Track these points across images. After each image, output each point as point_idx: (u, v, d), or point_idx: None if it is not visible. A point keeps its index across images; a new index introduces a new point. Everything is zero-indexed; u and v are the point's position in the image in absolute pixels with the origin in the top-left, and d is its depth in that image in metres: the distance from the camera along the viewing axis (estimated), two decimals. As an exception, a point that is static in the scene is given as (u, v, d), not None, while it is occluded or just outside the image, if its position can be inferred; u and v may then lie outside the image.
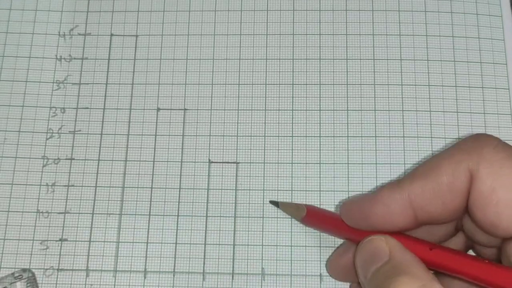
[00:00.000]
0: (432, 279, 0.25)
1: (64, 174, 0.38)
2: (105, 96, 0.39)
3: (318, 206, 0.36)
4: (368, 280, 0.28)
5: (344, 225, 0.31)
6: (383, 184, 0.36)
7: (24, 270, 0.35)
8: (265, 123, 0.38)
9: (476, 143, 0.27)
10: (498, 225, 0.25)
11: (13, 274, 0.35)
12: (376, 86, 0.39)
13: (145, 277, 0.36)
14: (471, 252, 0.32)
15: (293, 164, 0.37)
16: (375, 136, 0.38)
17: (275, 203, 0.36)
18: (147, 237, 0.36)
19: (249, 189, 0.37)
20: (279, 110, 0.39)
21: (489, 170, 0.25)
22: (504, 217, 0.25)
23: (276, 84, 0.39)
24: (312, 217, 0.34)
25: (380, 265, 0.27)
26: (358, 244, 0.30)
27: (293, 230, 0.36)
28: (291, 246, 0.36)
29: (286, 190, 0.37)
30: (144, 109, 0.39)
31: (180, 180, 0.37)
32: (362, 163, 0.37)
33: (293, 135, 0.38)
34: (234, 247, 0.36)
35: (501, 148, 0.26)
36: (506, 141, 0.36)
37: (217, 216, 0.36)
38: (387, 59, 0.39)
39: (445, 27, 0.40)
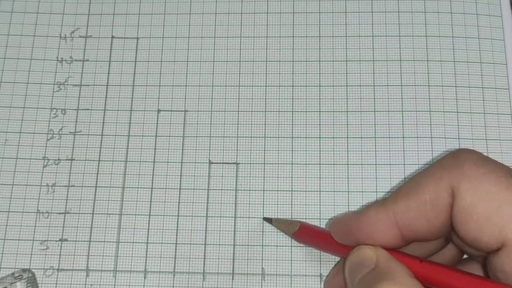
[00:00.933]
0: (414, 285, 0.25)
1: (65, 174, 0.38)
2: (106, 97, 0.39)
3: (318, 206, 0.36)
4: (354, 286, 0.28)
5: (334, 241, 0.31)
6: (368, 204, 0.36)
7: (24, 270, 0.35)
8: (265, 124, 0.38)
9: (456, 159, 0.27)
10: (480, 239, 0.25)
11: (13, 274, 0.35)
12: (375, 87, 0.39)
13: (145, 277, 0.35)
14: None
15: (293, 165, 0.37)
16: (375, 137, 0.38)
17: (268, 220, 0.36)
18: (147, 237, 0.36)
19: (249, 190, 0.37)
20: (279, 111, 0.39)
21: (469, 186, 0.26)
22: (485, 232, 0.25)
23: (276, 85, 0.39)
24: (304, 233, 0.34)
25: (366, 273, 0.28)
26: (347, 256, 0.30)
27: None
28: (291, 246, 0.36)
29: (286, 191, 0.37)
30: (144, 111, 0.39)
31: (180, 181, 0.37)
32: (361, 164, 0.37)
33: (293, 136, 0.38)
34: (234, 247, 0.36)
35: (481, 164, 0.26)
36: (506, 142, 0.37)
37: (217, 216, 0.36)
38: (387, 60, 0.39)
39: (445, 27, 0.40)
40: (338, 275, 0.33)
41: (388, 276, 0.26)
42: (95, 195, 0.37)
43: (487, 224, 0.25)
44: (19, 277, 0.35)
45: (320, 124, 0.38)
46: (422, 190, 0.27)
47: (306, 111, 0.38)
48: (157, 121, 0.39)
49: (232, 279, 0.35)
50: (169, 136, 0.38)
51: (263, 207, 0.37)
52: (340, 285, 0.32)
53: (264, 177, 0.37)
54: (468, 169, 0.26)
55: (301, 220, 0.36)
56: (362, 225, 0.29)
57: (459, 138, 0.37)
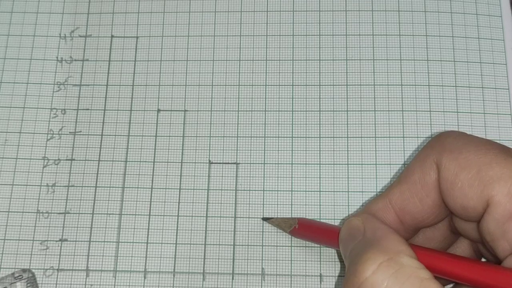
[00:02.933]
0: (401, 251, 0.25)
1: (65, 174, 0.38)
2: (106, 97, 0.39)
3: (318, 206, 0.36)
4: (347, 257, 0.28)
5: (332, 233, 0.31)
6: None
7: (24, 270, 0.36)
8: (265, 124, 0.38)
9: (439, 137, 0.28)
10: (466, 205, 0.26)
11: (13, 274, 0.35)
12: (376, 86, 0.39)
13: (145, 277, 0.36)
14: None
15: (293, 165, 0.37)
16: (375, 137, 0.38)
17: (267, 220, 0.36)
18: (147, 237, 0.36)
19: (249, 190, 0.37)
20: (279, 111, 0.39)
21: (450, 157, 0.27)
22: (470, 197, 0.26)
23: (276, 85, 0.39)
24: (302, 229, 0.34)
25: (355, 243, 0.28)
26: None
27: (293, 230, 0.36)
28: (291, 246, 0.36)
29: (286, 191, 0.37)
30: (144, 110, 0.39)
31: (180, 181, 0.37)
32: (362, 164, 0.37)
33: (293, 135, 0.38)
34: (234, 247, 0.36)
35: (461, 137, 0.27)
36: (506, 142, 0.37)
37: (217, 216, 0.37)
38: (387, 59, 0.39)
39: (445, 27, 0.40)
40: None
41: (373, 244, 0.26)
42: (95, 195, 0.37)
43: (470, 189, 0.26)
44: (19, 277, 0.35)
45: (320, 124, 0.38)
46: (411, 171, 0.28)
47: (306, 111, 0.38)
48: (157, 121, 0.39)
49: (232, 279, 0.35)
50: (169, 136, 0.38)
51: (263, 207, 0.37)
52: None
53: (264, 177, 0.37)
54: (449, 144, 0.27)
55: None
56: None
57: (459, 138, 0.37)
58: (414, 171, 0.28)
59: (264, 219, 0.36)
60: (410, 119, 0.38)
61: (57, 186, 0.38)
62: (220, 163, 0.38)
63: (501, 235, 0.25)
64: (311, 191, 0.37)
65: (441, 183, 0.27)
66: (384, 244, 0.26)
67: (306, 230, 0.34)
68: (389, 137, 0.38)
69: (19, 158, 0.38)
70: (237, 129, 0.38)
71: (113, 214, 0.37)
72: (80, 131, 0.39)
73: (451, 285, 0.30)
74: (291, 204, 0.37)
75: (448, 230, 0.31)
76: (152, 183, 0.37)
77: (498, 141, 0.36)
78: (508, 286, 0.24)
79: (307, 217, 0.36)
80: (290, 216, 0.36)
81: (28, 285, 0.35)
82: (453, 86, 0.38)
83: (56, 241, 0.37)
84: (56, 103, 0.39)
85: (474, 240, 0.30)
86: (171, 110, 0.39)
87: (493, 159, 0.26)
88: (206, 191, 0.37)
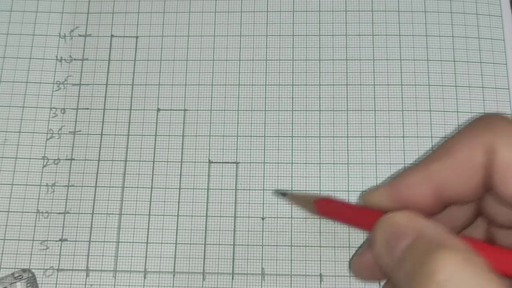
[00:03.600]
0: (472, 250, 0.24)
1: (64, 174, 0.38)
2: (105, 96, 0.39)
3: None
4: (398, 259, 0.26)
5: (362, 209, 0.29)
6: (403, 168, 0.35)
7: (24, 270, 0.35)
8: (265, 123, 0.38)
9: (489, 119, 0.27)
10: None
11: (13, 274, 0.35)
12: (376, 86, 0.39)
13: (145, 277, 0.35)
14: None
15: (293, 164, 0.37)
16: (375, 136, 0.38)
17: (283, 194, 0.35)
18: (147, 237, 0.36)
19: (249, 189, 0.37)
20: (279, 110, 0.39)
21: (506, 142, 0.25)
22: None
23: (276, 84, 0.39)
24: (327, 204, 0.32)
25: (410, 242, 0.26)
26: (375, 225, 0.27)
27: (293, 230, 0.36)
28: (291, 246, 0.36)
29: (286, 190, 0.37)
30: (144, 110, 0.39)
31: (180, 180, 0.37)
32: (362, 163, 0.37)
33: (293, 135, 0.38)
34: (234, 247, 0.36)
35: None
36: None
37: (217, 216, 0.36)
38: (387, 59, 0.39)
39: (445, 27, 0.40)
40: (365, 254, 0.30)
41: (442, 243, 0.24)
42: (94, 195, 0.37)
43: None
44: (19, 277, 0.35)
45: (320, 123, 0.38)
46: (457, 149, 0.27)
47: (306, 110, 0.38)
48: (157, 120, 0.39)
49: (232, 279, 0.35)
50: (169, 136, 0.38)
51: (263, 206, 0.37)
52: (368, 265, 0.30)
53: (264, 176, 0.37)
54: (504, 127, 0.26)
55: (301, 219, 0.36)
56: (399, 189, 0.28)
57: (459, 138, 0.37)
58: (460, 149, 0.26)
59: (279, 192, 0.36)
60: (410, 119, 0.38)
61: (57, 185, 0.38)
62: (220, 162, 0.38)
63: None
64: (311, 190, 0.37)
65: (495, 168, 0.25)
66: (454, 243, 0.24)
67: (330, 205, 0.31)
68: (389, 136, 0.38)
69: (19, 158, 0.38)
70: (237, 128, 0.38)
71: (113, 214, 0.37)
72: (80, 131, 0.39)
73: None
74: (291, 204, 0.36)
75: (474, 210, 0.30)
76: (152, 182, 0.37)
77: (498, 141, 0.37)
78: None
79: (307, 216, 0.36)
80: (289, 220, 0.36)
81: (28, 285, 0.35)
82: (453, 86, 0.38)
83: (56, 241, 0.36)
84: (55, 102, 0.39)
85: (499, 223, 0.29)
86: (171, 110, 0.39)
87: None
88: (206, 190, 0.37)
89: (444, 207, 0.28)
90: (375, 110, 0.38)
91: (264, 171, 0.37)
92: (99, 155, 0.38)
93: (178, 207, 0.37)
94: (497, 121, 0.26)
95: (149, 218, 0.37)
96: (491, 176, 0.26)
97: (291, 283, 0.35)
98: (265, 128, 0.38)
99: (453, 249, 0.24)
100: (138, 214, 0.37)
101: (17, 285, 0.35)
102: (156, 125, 0.39)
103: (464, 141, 0.27)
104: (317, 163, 0.37)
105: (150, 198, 0.37)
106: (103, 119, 0.39)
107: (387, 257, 0.26)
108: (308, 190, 0.37)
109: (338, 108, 0.38)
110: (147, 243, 0.36)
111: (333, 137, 0.38)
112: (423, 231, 0.26)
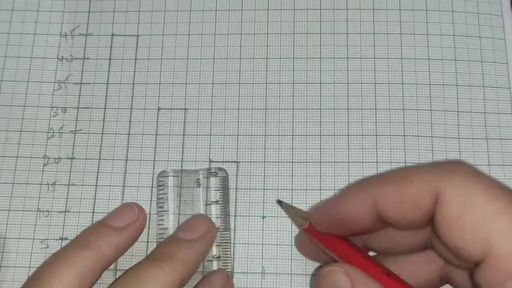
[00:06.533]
0: None
1: (65, 173, 0.38)
2: (106, 95, 0.39)
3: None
4: None
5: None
6: (351, 183, 0.36)
7: (220, 168, 0.37)
8: (265, 122, 0.38)
9: (448, 166, 0.27)
10: (462, 249, 0.25)
11: (209, 169, 0.37)
12: (376, 85, 0.39)
13: (145, 276, 0.36)
14: None
15: (294, 163, 0.37)
16: (376, 135, 0.38)
17: (280, 203, 0.36)
18: (148, 236, 0.36)
19: (250, 188, 0.37)
20: (279, 109, 0.39)
21: (456, 193, 0.26)
22: (469, 243, 0.25)
23: (277, 83, 0.39)
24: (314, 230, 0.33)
25: None
26: (316, 277, 0.29)
27: (294, 229, 0.36)
28: (291, 245, 0.36)
29: (287, 189, 0.37)
30: (145, 109, 0.39)
31: (181, 180, 0.37)
32: (362, 162, 0.37)
33: (294, 134, 0.38)
34: (234, 246, 0.36)
35: (471, 175, 0.26)
36: (506, 141, 0.37)
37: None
38: (388, 58, 0.39)
39: (446, 26, 0.40)
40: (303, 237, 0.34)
41: None
42: (95, 193, 0.37)
43: (471, 235, 0.25)
44: (213, 173, 0.36)
45: (320, 122, 0.38)
46: (407, 184, 0.27)
47: (306, 109, 0.38)
48: (157, 119, 0.39)
49: (232, 278, 0.35)
50: (170, 135, 0.38)
51: (264, 205, 0.37)
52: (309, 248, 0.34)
53: (264, 175, 0.37)
54: (458, 178, 0.26)
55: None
56: (343, 203, 0.29)
57: (459, 138, 0.37)
58: (411, 185, 0.27)
59: (278, 202, 0.36)
60: (410, 118, 0.38)
61: (58, 184, 0.38)
62: (220, 161, 0.38)
63: None
64: (311, 189, 0.37)
65: (439, 217, 0.26)
66: None
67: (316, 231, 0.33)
68: (390, 135, 0.38)
69: (20, 157, 0.38)
70: (238, 127, 0.38)
71: (113, 212, 0.37)
72: (81, 130, 0.39)
73: None
74: (292, 203, 0.36)
75: (419, 241, 0.30)
76: (152, 182, 0.37)
77: (499, 141, 0.37)
78: None
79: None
80: (289, 220, 0.36)
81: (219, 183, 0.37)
82: (453, 85, 0.38)
83: (57, 239, 0.37)
84: (56, 101, 0.39)
85: (451, 263, 0.30)
86: (172, 109, 0.39)
87: (501, 209, 0.25)
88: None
89: (384, 226, 0.29)
90: (375, 109, 0.38)
91: (264, 170, 0.37)
92: (100, 154, 0.38)
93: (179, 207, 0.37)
94: (454, 170, 0.26)
95: (149, 217, 0.37)
96: (436, 223, 0.26)
97: (291, 282, 0.35)
98: (265, 127, 0.38)
99: None
100: (139, 213, 0.37)
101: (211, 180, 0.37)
102: (157, 124, 0.39)
103: (417, 180, 0.27)
104: (317, 162, 0.37)
105: (151, 198, 0.37)
106: (104, 118, 0.39)
107: None
108: (309, 189, 0.37)
109: (338, 107, 0.38)
110: (147, 242, 0.36)
111: (334, 135, 0.38)
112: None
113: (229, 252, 0.35)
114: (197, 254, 0.33)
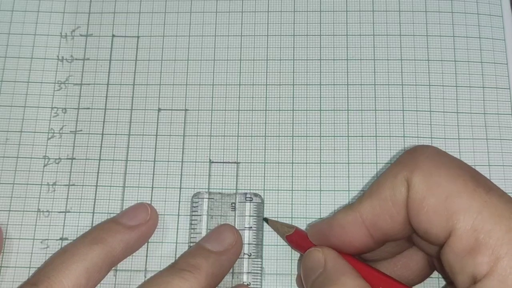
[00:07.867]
0: (362, 286, 0.26)
1: (65, 173, 0.38)
2: (107, 96, 0.39)
3: (319, 206, 0.36)
4: None
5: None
6: (339, 208, 0.36)
7: (255, 194, 0.37)
8: (265, 123, 0.38)
9: (412, 154, 0.28)
10: (430, 231, 0.26)
11: (245, 194, 0.37)
12: (376, 86, 0.39)
13: (145, 277, 0.35)
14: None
15: (294, 164, 0.37)
16: (376, 136, 0.38)
17: (265, 220, 0.36)
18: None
19: (250, 189, 0.37)
20: (279, 110, 0.39)
21: (420, 178, 0.26)
22: (434, 224, 0.25)
23: (277, 84, 0.39)
24: (297, 238, 0.34)
25: (316, 276, 0.29)
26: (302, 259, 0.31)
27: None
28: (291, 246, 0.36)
29: (287, 190, 0.37)
30: (145, 110, 0.39)
31: (180, 180, 0.37)
32: (362, 163, 0.37)
33: (294, 135, 0.38)
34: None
35: (434, 157, 0.27)
36: (507, 141, 0.37)
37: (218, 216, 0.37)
38: (388, 59, 0.39)
39: (446, 27, 0.40)
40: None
41: (334, 280, 0.27)
42: (95, 194, 0.37)
43: (435, 215, 0.25)
44: (249, 198, 0.36)
45: (320, 123, 0.38)
46: (382, 187, 0.28)
47: (306, 110, 0.38)
48: (158, 120, 0.39)
49: (232, 278, 0.35)
50: (170, 135, 0.38)
51: (264, 206, 0.37)
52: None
53: (264, 176, 0.37)
54: (421, 162, 0.26)
55: (302, 219, 0.36)
56: (334, 228, 0.29)
57: (459, 138, 0.37)
58: (385, 187, 0.27)
59: (265, 219, 0.36)
60: (410, 119, 0.38)
61: (58, 185, 0.38)
62: (220, 162, 0.38)
63: (460, 269, 0.24)
64: (311, 190, 0.37)
65: (409, 203, 0.26)
66: (344, 280, 0.27)
67: (300, 240, 0.34)
68: (390, 136, 0.38)
69: (20, 157, 0.38)
70: (238, 128, 0.38)
71: (113, 213, 0.37)
72: (81, 130, 0.39)
73: None
74: (292, 204, 0.37)
75: (407, 241, 0.31)
76: (152, 182, 0.37)
77: (499, 141, 0.37)
78: None
79: (307, 216, 0.36)
80: (290, 220, 0.36)
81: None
82: (453, 86, 0.38)
83: (57, 239, 0.37)
84: (57, 102, 0.39)
85: (431, 255, 0.30)
86: (172, 109, 0.39)
87: (462, 187, 0.25)
88: (207, 190, 0.37)
89: (383, 242, 0.29)
90: (375, 110, 0.38)
91: (264, 171, 0.37)
92: (100, 154, 0.38)
93: (179, 207, 0.37)
94: (418, 155, 0.27)
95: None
96: (408, 211, 0.27)
97: (291, 283, 0.35)
98: (265, 128, 0.38)
99: (340, 286, 0.27)
100: (139, 214, 0.37)
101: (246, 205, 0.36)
102: (157, 125, 0.39)
103: (388, 179, 0.27)
104: (317, 163, 0.37)
105: (151, 198, 0.37)
106: (104, 118, 0.39)
107: (305, 284, 0.30)
108: (309, 190, 0.37)
109: (338, 108, 0.38)
110: (147, 242, 0.36)
111: (334, 136, 0.38)
112: (325, 266, 0.29)
113: (259, 282, 0.35)
114: (222, 267, 0.33)
